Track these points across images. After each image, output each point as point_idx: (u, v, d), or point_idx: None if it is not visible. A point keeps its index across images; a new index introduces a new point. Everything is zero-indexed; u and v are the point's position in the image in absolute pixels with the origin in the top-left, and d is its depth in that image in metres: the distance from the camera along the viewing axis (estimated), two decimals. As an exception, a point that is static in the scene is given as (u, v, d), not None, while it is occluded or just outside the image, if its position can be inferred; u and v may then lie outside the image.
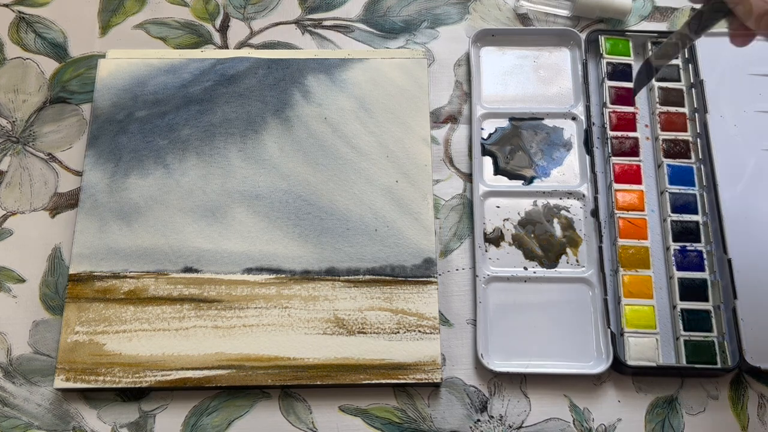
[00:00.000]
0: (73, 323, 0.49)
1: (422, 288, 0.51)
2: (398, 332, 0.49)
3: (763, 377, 0.50)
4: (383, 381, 0.48)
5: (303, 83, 0.57)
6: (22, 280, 0.53)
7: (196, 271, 0.51)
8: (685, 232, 0.53)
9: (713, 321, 0.50)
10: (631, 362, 0.49)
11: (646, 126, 0.57)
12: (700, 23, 0.41)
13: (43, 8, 0.61)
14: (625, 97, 0.56)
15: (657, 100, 0.56)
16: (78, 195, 0.54)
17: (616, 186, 0.54)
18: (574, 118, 0.57)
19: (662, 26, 0.60)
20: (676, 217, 0.53)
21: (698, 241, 0.52)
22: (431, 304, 0.50)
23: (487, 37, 0.59)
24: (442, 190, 0.55)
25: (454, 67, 0.59)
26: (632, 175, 0.54)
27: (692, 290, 0.51)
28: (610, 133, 0.55)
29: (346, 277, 0.51)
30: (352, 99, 0.56)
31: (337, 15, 0.61)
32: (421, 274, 0.51)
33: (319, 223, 0.52)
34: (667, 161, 0.54)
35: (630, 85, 0.57)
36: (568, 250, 0.53)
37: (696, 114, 0.56)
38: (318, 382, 0.48)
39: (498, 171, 0.55)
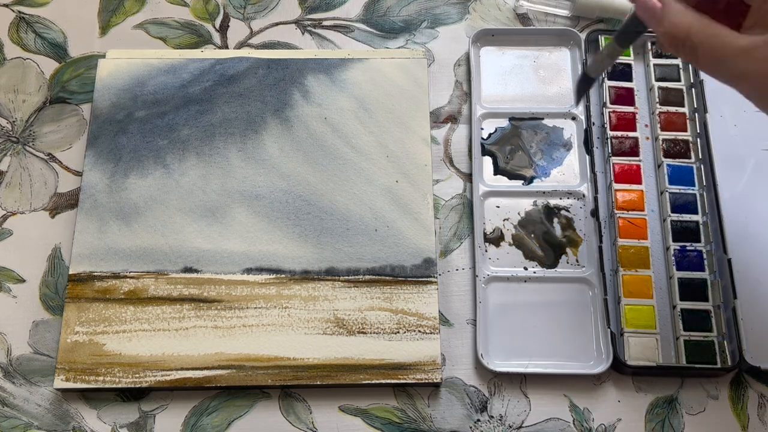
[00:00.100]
0: (72, 323, 0.49)
1: (422, 288, 0.51)
2: (398, 332, 0.49)
3: (763, 377, 0.50)
4: (383, 381, 0.48)
5: (303, 83, 0.56)
6: (22, 281, 0.53)
7: (196, 271, 0.51)
8: (684, 232, 0.53)
9: (713, 321, 0.50)
10: (631, 362, 0.49)
11: (646, 126, 0.57)
12: (624, 36, 0.42)
13: (43, 8, 0.61)
14: (625, 97, 0.57)
15: (657, 99, 0.56)
16: (78, 195, 0.54)
17: (615, 186, 0.54)
18: (573, 118, 0.57)
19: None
20: (676, 216, 0.53)
21: (698, 241, 0.52)
22: (431, 304, 0.50)
23: (487, 37, 0.59)
24: (442, 190, 0.55)
25: (454, 67, 0.59)
26: (632, 175, 0.54)
27: (692, 290, 0.51)
28: (610, 133, 0.55)
29: (346, 277, 0.51)
30: (352, 99, 0.56)
31: (337, 15, 0.61)
32: (421, 274, 0.51)
33: (318, 223, 0.52)
34: (667, 161, 0.54)
35: (630, 85, 0.57)
36: (568, 250, 0.53)
37: (696, 114, 0.56)
38: (318, 382, 0.48)
39: (498, 171, 0.55)
